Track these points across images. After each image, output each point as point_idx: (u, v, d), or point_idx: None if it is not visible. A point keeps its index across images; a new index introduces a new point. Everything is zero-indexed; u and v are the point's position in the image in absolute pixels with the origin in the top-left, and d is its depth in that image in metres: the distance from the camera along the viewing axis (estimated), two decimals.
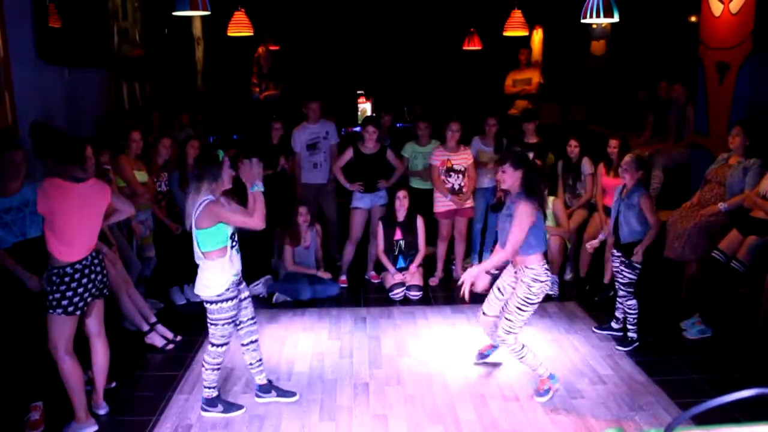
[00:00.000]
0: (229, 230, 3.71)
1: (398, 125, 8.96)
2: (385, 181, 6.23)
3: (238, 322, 3.92)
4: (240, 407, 3.97)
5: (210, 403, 3.92)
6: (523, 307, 3.99)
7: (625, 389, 4.19)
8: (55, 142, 3.72)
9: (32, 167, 4.19)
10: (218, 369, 3.92)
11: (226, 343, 3.86)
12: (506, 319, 4.02)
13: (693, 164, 6.64)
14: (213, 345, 3.85)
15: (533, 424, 3.80)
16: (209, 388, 3.90)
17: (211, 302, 3.75)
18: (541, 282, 3.99)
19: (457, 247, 6.32)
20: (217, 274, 3.70)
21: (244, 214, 3.72)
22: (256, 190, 3.71)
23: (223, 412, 3.91)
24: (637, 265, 4.71)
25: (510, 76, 9.76)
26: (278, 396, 4.09)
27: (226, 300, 3.74)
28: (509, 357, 4.61)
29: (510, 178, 3.99)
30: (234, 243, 3.77)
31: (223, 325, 3.79)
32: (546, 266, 4.06)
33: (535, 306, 4.04)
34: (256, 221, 3.69)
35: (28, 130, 4.52)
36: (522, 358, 4.06)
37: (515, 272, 4.12)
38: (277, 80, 8.57)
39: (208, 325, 3.83)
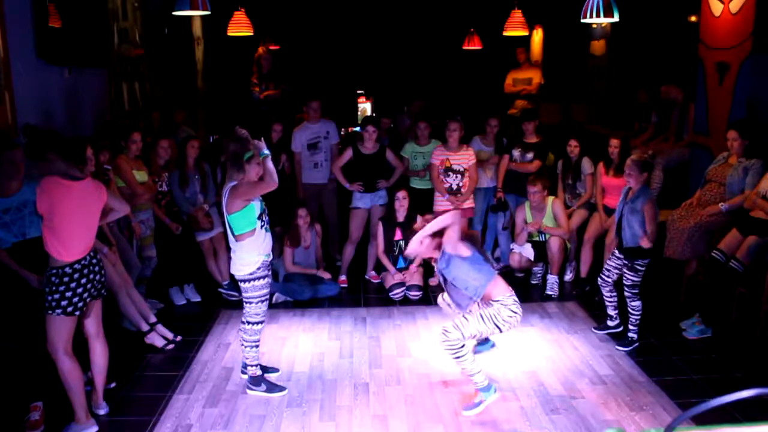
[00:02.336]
0: (257, 212, 3.97)
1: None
2: (384, 181, 6.23)
3: None
4: (282, 389, 4.18)
5: (254, 381, 4.18)
6: (483, 319, 3.86)
7: (625, 389, 4.19)
8: (58, 140, 3.70)
9: (32, 167, 4.19)
10: (257, 346, 4.15)
11: (261, 321, 4.14)
12: (463, 317, 3.92)
13: (693, 164, 6.64)
14: (249, 323, 4.10)
15: (533, 424, 3.80)
16: (252, 365, 4.17)
17: (246, 281, 4.03)
18: (513, 312, 3.88)
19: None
20: (249, 253, 3.99)
21: (259, 183, 3.97)
22: (264, 156, 4.00)
23: (266, 391, 4.14)
24: (639, 267, 4.70)
25: (510, 75, 9.75)
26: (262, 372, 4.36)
27: (258, 278, 4.03)
28: (508, 356, 4.63)
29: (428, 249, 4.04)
30: (263, 223, 4.03)
31: (257, 303, 4.08)
32: (514, 298, 3.93)
33: (494, 329, 3.88)
34: (270, 184, 3.94)
35: (22, 132, 4.52)
36: (458, 358, 3.83)
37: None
38: (277, 80, 8.57)
39: (244, 303, 4.11)
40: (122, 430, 3.83)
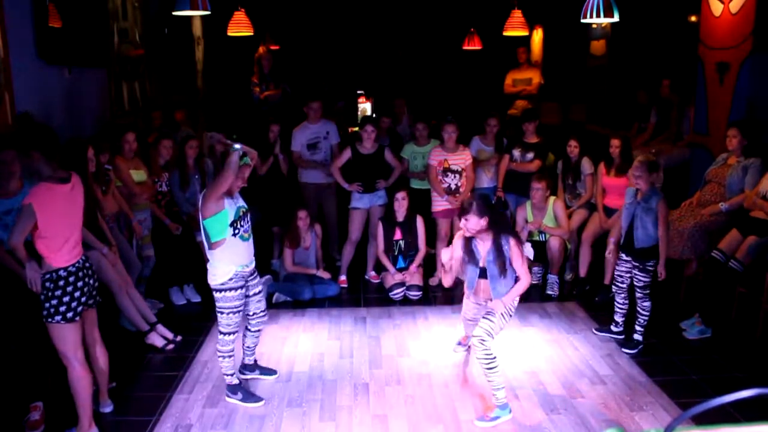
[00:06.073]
0: (229, 219, 3.84)
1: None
2: (384, 181, 6.22)
3: (251, 313, 4.16)
4: (258, 399, 4.09)
5: (231, 389, 4.11)
6: (505, 315, 3.94)
7: (625, 389, 4.19)
8: (45, 138, 3.60)
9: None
10: (230, 356, 4.07)
11: (234, 332, 4.02)
12: (488, 320, 3.89)
13: (693, 164, 6.64)
14: (222, 333, 4.03)
15: (533, 424, 3.80)
16: (227, 375, 4.10)
17: (217, 290, 3.94)
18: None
19: None
20: (222, 262, 3.89)
21: (217, 177, 3.85)
22: (234, 150, 3.83)
23: (241, 400, 4.07)
24: (650, 268, 4.69)
25: (510, 76, 9.75)
26: (260, 373, 4.41)
27: (230, 289, 3.92)
28: (508, 356, 4.63)
29: (475, 226, 3.90)
30: (236, 231, 3.88)
31: (228, 313, 3.96)
32: None
33: (508, 320, 3.99)
34: (225, 174, 3.77)
35: (17, 120, 4.49)
36: (491, 369, 3.80)
37: (480, 303, 4.14)
38: (277, 80, 8.57)
39: (217, 313, 4.01)
40: (122, 430, 3.84)
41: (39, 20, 5.15)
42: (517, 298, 4.04)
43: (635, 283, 4.77)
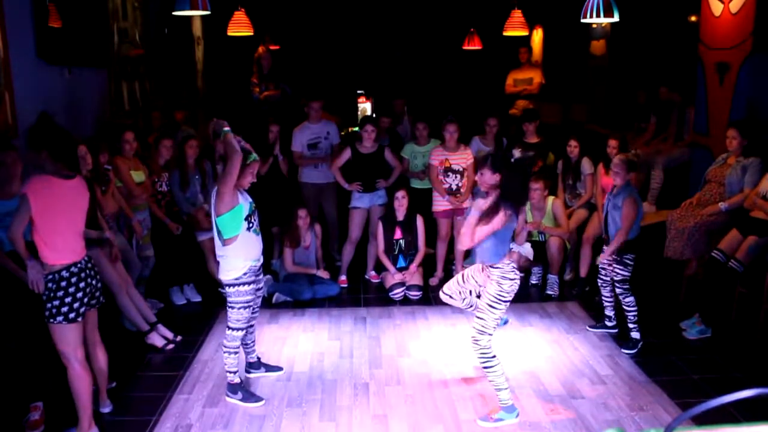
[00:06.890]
0: (245, 212, 3.89)
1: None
2: (384, 180, 6.22)
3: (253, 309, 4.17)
4: (259, 399, 4.09)
5: (232, 389, 4.10)
6: (495, 305, 3.76)
7: (625, 389, 4.19)
8: (56, 140, 3.63)
9: (31, 168, 4.18)
10: (236, 353, 4.08)
11: (242, 328, 4.06)
12: (478, 317, 3.80)
13: (693, 164, 6.64)
14: (230, 329, 4.04)
15: (533, 424, 3.80)
16: (230, 372, 4.09)
17: (231, 285, 3.95)
18: (510, 280, 3.79)
19: (457, 246, 6.31)
20: (236, 258, 3.91)
21: (228, 165, 3.80)
22: (225, 132, 3.87)
23: (241, 400, 4.07)
24: (628, 261, 4.73)
25: (511, 76, 9.75)
26: (266, 371, 4.45)
27: (244, 284, 3.95)
28: (508, 356, 4.63)
29: (489, 180, 3.80)
30: (251, 225, 3.94)
31: (239, 309, 3.99)
32: (513, 264, 3.85)
33: (507, 304, 3.82)
34: (233, 157, 3.78)
35: (36, 118, 4.50)
36: (489, 368, 3.76)
37: (482, 269, 3.96)
38: (277, 80, 8.57)
39: (228, 309, 4.02)
40: (122, 430, 3.84)
41: (39, 20, 5.15)
42: (508, 284, 3.78)
43: (614, 276, 4.80)
